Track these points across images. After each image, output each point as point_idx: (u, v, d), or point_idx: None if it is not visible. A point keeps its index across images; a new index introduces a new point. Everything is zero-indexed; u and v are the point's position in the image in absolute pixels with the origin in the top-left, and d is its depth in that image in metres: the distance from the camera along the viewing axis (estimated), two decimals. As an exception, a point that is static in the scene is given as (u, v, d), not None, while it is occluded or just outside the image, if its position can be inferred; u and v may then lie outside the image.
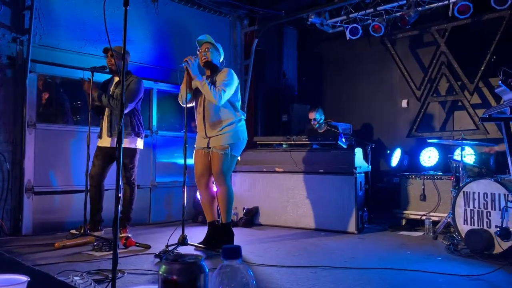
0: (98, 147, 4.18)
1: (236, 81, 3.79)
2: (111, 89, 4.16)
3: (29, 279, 1.08)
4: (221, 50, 3.93)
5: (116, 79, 4.19)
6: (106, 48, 4.06)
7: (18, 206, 4.44)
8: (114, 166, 4.18)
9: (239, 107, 3.88)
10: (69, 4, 4.86)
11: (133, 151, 4.12)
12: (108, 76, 4.44)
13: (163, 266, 0.88)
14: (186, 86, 3.72)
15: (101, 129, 4.20)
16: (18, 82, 4.49)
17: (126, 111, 4.08)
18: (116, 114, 4.03)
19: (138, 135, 4.15)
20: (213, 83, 3.73)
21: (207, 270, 0.90)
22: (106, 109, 4.15)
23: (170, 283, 0.85)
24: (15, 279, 1.08)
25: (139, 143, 4.18)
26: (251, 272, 0.89)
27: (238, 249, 0.88)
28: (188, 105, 3.87)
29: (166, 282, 0.86)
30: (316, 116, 5.57)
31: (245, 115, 3.96)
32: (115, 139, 3.98)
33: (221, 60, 3.94)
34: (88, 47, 4.99)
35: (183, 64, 3.66)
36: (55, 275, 2.68)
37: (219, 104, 3.65)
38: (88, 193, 4.08)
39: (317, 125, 5.52)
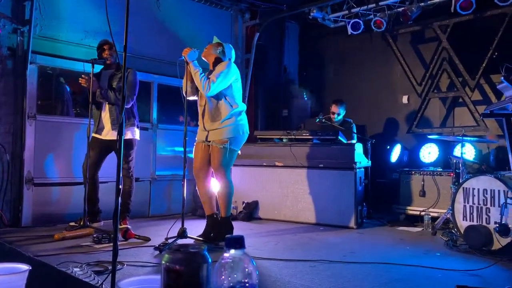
0: (97, 138, 4.16)
1: (232, 73, 3.71)
2: (113, 83, 4.15)
3: (30, 268, 1.08)
4: (229, 48, 3.87)
5: (110, 71, 4.20)
6: (106, 41, 4.12)
7: (18, 198, 4.45)
8: (110, 158, 4.19)
9: (238, 99, 3.82)
10: (70, -5, 4.84)
11: (133, 142, 4.16)
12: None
13: (166, 256, 0.88)
14: (186, 79, 3.72)
15: (100, 122, 4.18)
16: (18, 74, 4.48)
17: (130, 104, 4.10)
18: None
19: (137, 126, 4.21)
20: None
21: (210, 260, 0.90)
22: (105, 103, 4.15)
23: (173, 272, 0.85)
24: (17, 267, 1.08)
25: (137, 134, 4.22)
26: (254, 263, 0.89)
27: (241, 239, 0.88)
28: (192, 98, 3.86)
29: (169, 272, 0.86)
30: (339, 111, 5.52)
31: (245, 107, 3.92)
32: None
33: (227, 58, 3.85)
34: (89, 39, 4.96)
35: (183, 58, 3.65)
36: (55, 266, 2.69)
37: (207, 94, 3.62)
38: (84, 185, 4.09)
39: (336, 119, 5.51)
